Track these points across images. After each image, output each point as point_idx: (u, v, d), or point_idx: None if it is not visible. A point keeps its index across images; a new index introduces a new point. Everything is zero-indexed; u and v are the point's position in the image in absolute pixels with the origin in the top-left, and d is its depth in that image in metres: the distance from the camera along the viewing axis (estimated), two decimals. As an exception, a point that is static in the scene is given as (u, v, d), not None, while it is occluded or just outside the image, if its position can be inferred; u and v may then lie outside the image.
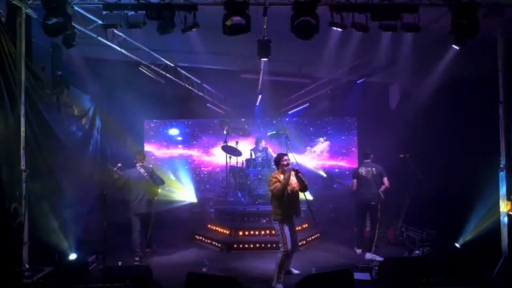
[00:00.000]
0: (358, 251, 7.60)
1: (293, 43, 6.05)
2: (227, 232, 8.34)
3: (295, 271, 6.29)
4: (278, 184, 5.71)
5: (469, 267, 5.93)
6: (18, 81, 5.85)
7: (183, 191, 10.98)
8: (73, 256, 6.52)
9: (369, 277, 6.03)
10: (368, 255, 6.85)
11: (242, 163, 9.93)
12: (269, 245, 7.66)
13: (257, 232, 8.05)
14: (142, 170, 7.58)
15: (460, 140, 7.48)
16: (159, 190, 8.00)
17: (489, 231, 6.30)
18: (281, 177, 5.77)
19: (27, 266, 5.73)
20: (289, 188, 5.74)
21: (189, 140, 11.98)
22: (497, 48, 6.13)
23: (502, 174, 6.00)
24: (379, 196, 7.41)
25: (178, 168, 11.41)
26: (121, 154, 9.36)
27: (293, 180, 5.87)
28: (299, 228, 7.92)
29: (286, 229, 5.78)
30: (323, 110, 11.27)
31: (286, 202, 5.75)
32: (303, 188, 5.93)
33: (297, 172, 5.83)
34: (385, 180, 7.48)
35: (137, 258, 7.24)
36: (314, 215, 6.91)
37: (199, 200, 10.43)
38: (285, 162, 5.89)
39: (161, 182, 7.79)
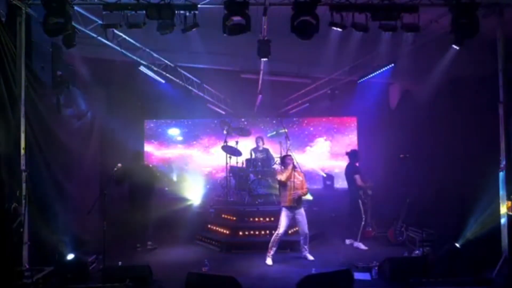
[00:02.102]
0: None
1: (293, 43, 6.05)
2: (227, 232, 8.34)
3: (310, 257, 7.08)
4: (283, 175, 7.01)
5: (469, 267, 5.94)
6: (18, 81, 5.85)
7: (184, 192, 11.04)
8: (72, 256, 6.52)
9: (369, 277, 6.03)
10: (356, 244, 7.93)
11: (242, 163, 9.93)
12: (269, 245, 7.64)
13: (257, 232, 8.05)
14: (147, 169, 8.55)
15: (460, 140, 7.47)
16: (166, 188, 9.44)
17: (489, 231, 6.28)
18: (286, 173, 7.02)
19: (27, 266, 5.73)
20: (290, 180, 6.94)
21: (189, 140, 11.98)
22: (497, 48, 6.13)
23: (502, 174, 5.99)
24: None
25: (179, 168, 11.45)
26: (121, 154, 9.39)
27: (298, 178, 7.07)
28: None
29: (284, 215, 6.98)
30: (323, 110, 11.27)
31: (289, 192, 6.94)
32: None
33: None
34: None
35: (150, 242, 8.07)
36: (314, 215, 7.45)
37: (199, 200, 10.44)
38: (289, 161, 7.14)
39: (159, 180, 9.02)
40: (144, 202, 8.18)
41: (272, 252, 6.99)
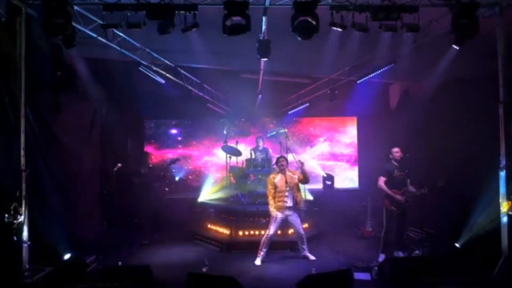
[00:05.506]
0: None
1: (293, 43, 6.05)
2: (227, 232, 8.34)
3: (311, 257, 7.11)
4: (270, 191, 7.10)
5: (469, 267, 5.93)
6: (18, 81, 5.85)
7: (185, 192, 11.06)
8: (72, 256, 6.52)
9: (369, 277, 6.04)
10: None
11: (242, 163, 9.93)
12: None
13: (257, 232, 8.04)
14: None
15: (460, 140, 7.47)
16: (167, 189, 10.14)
17: (489, 231, 6.28)
18: (276, 180, 7.03)
19: (27, 266, 5.73)
20: (278, 187, 7.01)
21: (189, 140, 11.98)
22: (497, 48, 6.12)
23: (502, 174, 5.99)
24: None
25: (179, 168, 11.45)
26: (121, 154, 9.40)
27: (293, 178, 7.03)
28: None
29: (274, 218, 6.99)
30: (323, 110, 11.28)
31: (275, 197, 7.03)
32: (304, 180, 7.09)
33: (302, 165, 7.12)
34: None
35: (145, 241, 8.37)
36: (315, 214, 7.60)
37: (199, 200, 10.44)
38: (279, 164, 7.12)
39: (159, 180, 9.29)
40: (148, 200, 8.60)
41: (262, 253, 6.99)
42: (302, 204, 7.16)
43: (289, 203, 7.00)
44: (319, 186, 11.16)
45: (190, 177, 11.76)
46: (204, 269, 6.27)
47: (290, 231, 7.76)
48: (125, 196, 8.54)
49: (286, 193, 6.99)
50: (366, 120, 11.38)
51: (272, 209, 7.02)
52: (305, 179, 7.05)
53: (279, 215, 6.99)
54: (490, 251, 6.05)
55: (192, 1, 5.81)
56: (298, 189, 7.14)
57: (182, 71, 9.86)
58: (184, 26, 5.87)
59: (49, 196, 6.61)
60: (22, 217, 5.65)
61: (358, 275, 5.94)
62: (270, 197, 7.08)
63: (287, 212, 7.03)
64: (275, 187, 7.01)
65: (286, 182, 6.99)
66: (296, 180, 7.07)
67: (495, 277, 5.69)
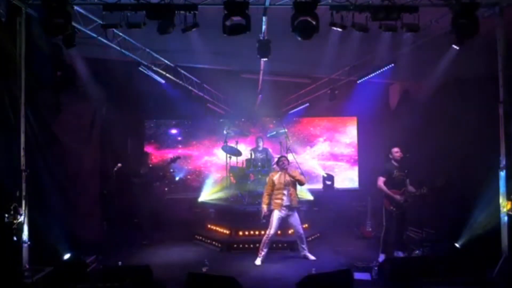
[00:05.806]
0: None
1: (293, 43, 6.05)
2: (227, 232, 8.35)
3: (311, 257, 7.10)
4: (267, 189, 7.19)
5: (469, 267, 5.93)
6: (18, 81, 5.85)
7: (185, 191, 11.05)
8: (72, 256, 6.52)
9: (369, 277, 6.03)
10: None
11: (242, 163, 9.93)
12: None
13: (257, 232, 8.04)
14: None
15: (460, 140, 7.48)
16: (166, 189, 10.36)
17: (489, 231, 6.29)
18: (274, 178, 7.12)
19: (27, 266, 5.73)
20: (280, 183, 7.07)
21: (189, 140, 11.97)
22: (497, 48, 6.12)
23: (502, 174, 5.99)
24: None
25: (179, 168, 11.45)
26: (121, 154, 9.41)
27: (280, 179, 7.08)
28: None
29: (275, 217, 7.00)
30: (323, 110, 11.28)
31: (271, 195, 7.12)
32: (298, 183, 7.20)
33: (286, 170, 7.15)
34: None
35: (145, 242, 8.33)
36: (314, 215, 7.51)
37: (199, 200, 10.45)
38: (281, 163, 7.20)
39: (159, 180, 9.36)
40: (148, 200, 8.59)
41: (262, 253, 7.00)
42: (295, 202, 7.14)
43: (286, 201, 7.03)
44: (319, 186, 11.15)
45: (190, 177, 11.74)
46: (204, 269, 6.27)
47: (290, 231, 7.77)
48: (125, 196, 8.53)
49: (284, 191, 7.03)
50: (366, 120, 11.37)
51: (263, 206, 7.10)
52: (297, 182, 7.15)
53: (277, 214, 6.99)
54: (490, 251, 6.05)
55: (192, 1, 5.81)
56: (294, 187, 7.16)
57: (182, 71, 9.86)
58: (184, 26, 5.87)
59: (49, 196, 6.61)
60: (22, 217, 5.65)
61: (358, 275, 5.94)
62: (265, 194, 7.16)
63: (286, 212, 7.04)
64: (273, 184, 7.09)
65: (284, 180, 7.04)
66: (294, 179, 7.12)
67: (495, 277, 5.69)
